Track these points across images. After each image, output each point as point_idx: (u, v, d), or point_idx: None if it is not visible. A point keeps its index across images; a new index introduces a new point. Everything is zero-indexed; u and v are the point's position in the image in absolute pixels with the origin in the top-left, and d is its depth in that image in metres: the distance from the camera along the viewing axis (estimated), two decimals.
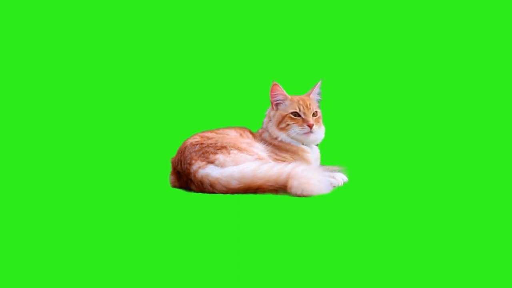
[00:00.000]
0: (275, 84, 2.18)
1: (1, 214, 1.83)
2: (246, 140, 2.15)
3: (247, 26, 2.93)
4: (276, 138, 2.18)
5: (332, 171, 2.16)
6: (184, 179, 2.07)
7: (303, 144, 2.20)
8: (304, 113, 2.15)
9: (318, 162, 2.26)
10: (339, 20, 2.93)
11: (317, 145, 2.28)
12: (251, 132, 2.26)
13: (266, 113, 2.25)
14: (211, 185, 1.96)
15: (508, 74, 2.83)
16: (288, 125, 2.15)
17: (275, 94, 2.19)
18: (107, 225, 1.65)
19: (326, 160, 2.33)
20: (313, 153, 2.23)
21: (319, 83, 2.23)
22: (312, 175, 1.92)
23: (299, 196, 1.87)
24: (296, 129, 2.14)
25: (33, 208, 1.90)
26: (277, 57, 2.91)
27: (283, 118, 2.16)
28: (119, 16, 2.91)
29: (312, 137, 2.17)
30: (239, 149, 2.04)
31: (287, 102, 2.18)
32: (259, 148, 2.12)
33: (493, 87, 2.85)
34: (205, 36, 2.96)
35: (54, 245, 1.47)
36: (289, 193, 1.89)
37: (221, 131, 2.21)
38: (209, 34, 2.95)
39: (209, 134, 2.15)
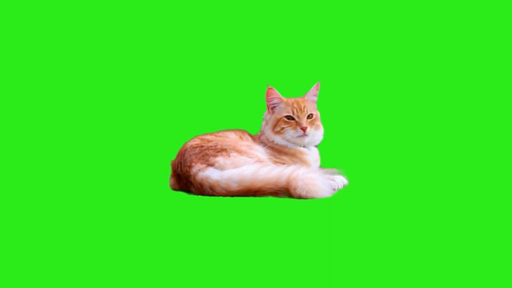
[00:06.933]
0: (270, 88, 2.19)
1: (0, 215, 1.83)
2: (246, 143, 2.15)
3: (245, 29, 2.93)
4: (272, 141, 2.19)
5: (331, 173, 2.16)
6: (184, 181, 2.07)
7: (301, 146, 2.21)
8: (298, 116, 2.15)
9: (318, 163, 2.26)
10: (337, 21, 2.93)
11: (316, 146, 2.28)
12: (250, 135, 2.27)
13: (263, 116, 2.25)
14: (211, 188, 1.96)
15: (508, 74, 2.83)
16: (282, 128, 2.16)
17: (270, 98, 2.20)
18: (106, 227, 1.65)
19: (326, 163, 2.33)
20: (312, 155, 2.23)
21: (317, 84, 2.22)
22: (316, 176, 1.92)
23: (302, 197, 1.87)
24: (290, 132, 2.15)
25: (32, 210, 1.90)
26: (276, 59, 2.91)
27: (277, 121, 2.17)
28: (119, 20, 2.91)
29: (307, 139, 2.18)
30: (239, 151, 2.04)
31: (282, 105, 2.18)
32: (259, 151, 2.13)
33: (492, 88, 2.85)
34: (204, 38, 2.95)
35: (54, 248, 1.47)
36: (292, 194, 1.89)
37: (220, 133, 2.22)
38: (208, 36, 2.95)
39: (209, 137, 2.15)
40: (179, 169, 2.08)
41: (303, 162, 2.16)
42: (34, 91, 2.87)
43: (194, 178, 2.00)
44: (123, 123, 2.90)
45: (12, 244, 1.52)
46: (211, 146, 2.05)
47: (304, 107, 2.16)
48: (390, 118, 2.92)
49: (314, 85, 2.22)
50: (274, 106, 2.20)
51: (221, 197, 1.94)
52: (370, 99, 2.93)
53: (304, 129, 2.13)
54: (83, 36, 2.90)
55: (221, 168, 1.98)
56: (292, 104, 2.17)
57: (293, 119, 2.15)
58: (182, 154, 2.09)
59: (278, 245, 1.46)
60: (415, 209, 1.82)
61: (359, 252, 1.42)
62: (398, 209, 1.82)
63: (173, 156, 2.17)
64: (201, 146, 2.06)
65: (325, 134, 2.27)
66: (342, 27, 2.93)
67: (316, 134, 2.22)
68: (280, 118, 2.16)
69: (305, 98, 2.21)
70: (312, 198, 1.87)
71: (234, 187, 1.93)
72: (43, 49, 2.87)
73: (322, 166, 2.28)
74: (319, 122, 2.24)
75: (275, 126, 2.18)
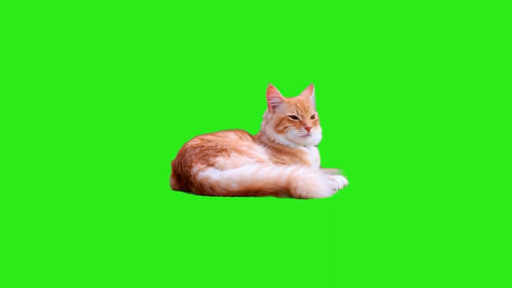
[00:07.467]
0: (271, 87, 2.18)
1: (0, 216, 1.83)
2: (246, 143, 2.15)
3: (245, 29, 2.93)
4: (273, 141, 2.18)
5: (331, 173, 2.16)
6: (184, 181, 2.07)
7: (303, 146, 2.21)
8: (302, 116, 2.15)
9: (318, 163, 2.26)
10: (337, 21, 2.93)
11: (316, 146, 2.28)
12: (250, 135, 2.27)
13: (263, 116, 2.25)
14: (211, 188, 1.96)
15: (508, 74, 2.83)
16: (285, 127, 2.16)
17: (271, 97, 2.20)
18: (106, 227, 1.65)
19: (326, 163, 2.33)
20: (312, 155, 2.23)
21: (311, 86, 2.25)
22: (316, 176, 1.92)
23: (302, 197, 1.87)
24: (294, 131, 2.15)
25: (32, 211, 1.90)
26: (276, 59, 2.91)
27: (280, 120, 2.16)
28: (119, 20, 2.91)
29: (309, 139, 2.18)
30: (239, 151, 2.04)
31: (284, 105, 2.18)
32: (259, 151, 2.13)
33: (492, 88, 2.85)
34: (204, 38, 2.96)
35: (54, 248, 1.47)
36: (293, 195, 1.89)
37: (221, 133, 2.22)
38: (208, 36, 2.95)
39: (209, 137, 2.15)
40: (179, 169, 2.09)
41: (303, 162, 2.16)
42: (34, 91, 2.87)
43: (194, 178, 2.00)
44: (123, 123, 2.90)
45: (13, 245, 1.52)
46: (211, 146, 2.05)
47: (308, 107, 2.16)
48: (390, 118, 2.92)
49: (309, 87, 2.24)
50: (275, 105, 2.20)
51: (221, 197, 1.94)
52: (370, 99, 2.93)
53: (308, 129, 2.13)
54: (83, 37, 2.90)
55: (221, 168, 1.98)
56: (296, 103, 2.16)
57: (297, 118, 2.15)
58: (182, 154, 2.09)
59: (278, 245, 1.46)
60: (415, 209, 1.82)
61: (359, 252, 1.42)
62: (398, 209, 1.82)
63: (173, 156, 2.17)
64: (201, 146, 2.06)
65: (325, 134, 2.26)
66: (341, 27, 2.93)
67: (316, 134, 2.22)
68: (284, 117, 2.16)
69: (309, 98, 2.21)
70: (312, 198, 1.88)
71: (234, 187, 1.93)
72: (42, 49, 2.87)
73: (322, 166, 2.28)
74: (318, 123, 2.24)
75: (278, 125, 2.17)
